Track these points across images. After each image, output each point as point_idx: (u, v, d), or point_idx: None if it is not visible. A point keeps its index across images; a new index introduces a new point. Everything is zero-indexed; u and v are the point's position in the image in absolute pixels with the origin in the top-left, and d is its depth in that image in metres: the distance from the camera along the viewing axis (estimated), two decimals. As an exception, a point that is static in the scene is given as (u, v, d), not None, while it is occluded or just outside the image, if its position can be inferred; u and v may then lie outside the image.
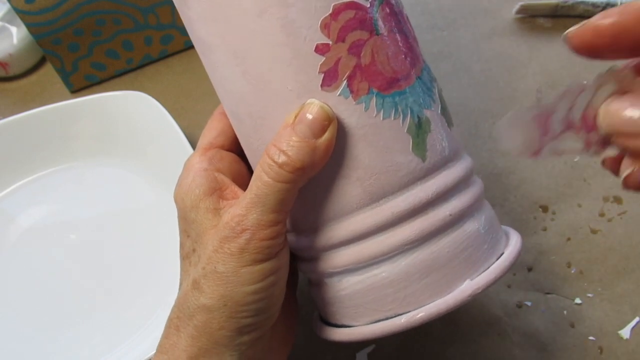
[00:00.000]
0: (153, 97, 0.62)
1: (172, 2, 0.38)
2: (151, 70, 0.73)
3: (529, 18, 0.70)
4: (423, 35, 0.70)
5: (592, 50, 0.29)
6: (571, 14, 0.69)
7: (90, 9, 0.65)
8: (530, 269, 0.53)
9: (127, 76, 0.73)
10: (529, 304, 0.52)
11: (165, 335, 0.37)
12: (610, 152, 0.31)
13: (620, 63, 0.30)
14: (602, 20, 0.29)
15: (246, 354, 0.36)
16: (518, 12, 0.70)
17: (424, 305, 0.37)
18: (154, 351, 0.48)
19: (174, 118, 0.60)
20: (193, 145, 0.57)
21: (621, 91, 0.29)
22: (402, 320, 0.37)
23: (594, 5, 0.67)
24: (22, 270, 0.60)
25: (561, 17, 0.69)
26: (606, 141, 0.30)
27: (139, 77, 0.73)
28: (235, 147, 0.41)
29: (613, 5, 0.67)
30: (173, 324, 0.37)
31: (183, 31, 0.70)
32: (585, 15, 0.68)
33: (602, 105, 0.29)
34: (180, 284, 0.38)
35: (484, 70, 0.67)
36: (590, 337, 0.50)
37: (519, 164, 0.59)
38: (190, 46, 0.73)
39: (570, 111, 0.31)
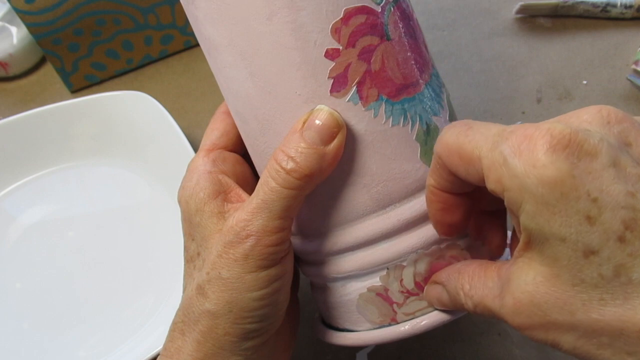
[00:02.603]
0: (153, 97, 0.62)
1: (173, 2, 0.37)
2: (151, 70, 0.73)
3: (529, 18, 0.70)
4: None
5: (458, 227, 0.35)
6: (571, 14, 0.69)
7: (90, 9, 0.65)
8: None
9: (127, 76, 0.73)
10: (529, 304, 0.52)
11: (170, 338, 0.37)
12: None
13: (426, 239, 0.36)
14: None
15: (251, 358, 0.36)
16: (518, 12, 0.70)
17: (427, 313, 0.37)
18: (154, 351, 0.49)
19: (174, 118, 0.60)
20: (193, 145, 0.57)
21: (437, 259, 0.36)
22: (406, 327, 0.37)
23: (594, 5, 0.67)
24: (22, 270, 0.60)
25: (561, 17, 0.69)
26: None
27: (139, 77, 0.73)
28: (238, 148, 0.41)
29: (613, 5, 0.67)
30: (178, 328, 0.36)
31: (183, 31, 0.70)
32: (585, 16, 0.68)
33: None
34: (185, 288, 0.38)
35: (484, 70, 0.67)
36: (591, 338, 0.50)
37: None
38: (190, 46, 0.73)
39: (402, 284, 0.37)
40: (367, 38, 0.34)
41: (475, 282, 0.31)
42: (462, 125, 0.31)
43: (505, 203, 0.27)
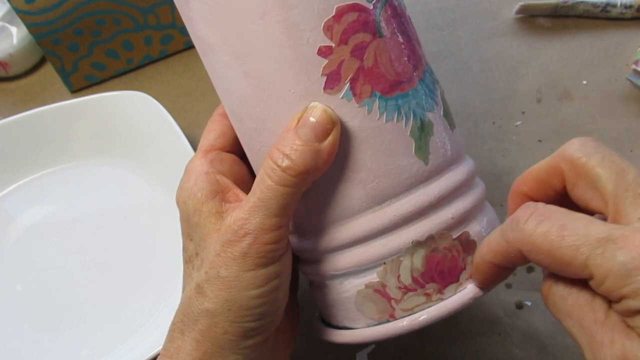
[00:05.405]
0: (153, 97, 0.62)
1: (173, 2, 0.38)
2: (151, 70, 0.73)
3: (529, 18, 0.70)
4: (423, 35, 0.70)
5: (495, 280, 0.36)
6: (571, 14, 0.69)
7: (90, 9, 0.65)
8: (530, 269, 0.53)
9: (127, 76, 0.73)
10: (529, 304, 0.52)
11: (170, 338, 0.37)
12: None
13: (422, 234, 0.36)
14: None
15: (250, 357, 0.36)
16: (518, 12, 0.70)
17: (426, 308, 0.37)
18: (154, 351, 0.49)
19: (174, 118, 0.60)
20: (193, 145, 0.57)
21: (434, 250, 0.37)
22: (404, 323, 0.37)
23: (594, 5, 0.67)
24: (22, 270, 0.60)
25: (561, 17, 0.69)
26: (443, 286, 0.37)
27: (139, 77, 0.73)
28: (235, 149, 0.41)
29: (613, 5, 0.67)
30: (177, 328, 0.36)
31: (183, 31, 0.70)
32: (585, 16, 0.68)
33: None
34: (184, 288, 0.38)
35: (484, 70, 0.67)
36: (591, 338, 0.50)
37: (519, 163, 0.59)
38: (190, 46, 0.73)
39: (400, 279, 0.37)
40: (360, 35, 0.34)
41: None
42: (551, 222, 0.29)
43: (622, 307, 0.27)
